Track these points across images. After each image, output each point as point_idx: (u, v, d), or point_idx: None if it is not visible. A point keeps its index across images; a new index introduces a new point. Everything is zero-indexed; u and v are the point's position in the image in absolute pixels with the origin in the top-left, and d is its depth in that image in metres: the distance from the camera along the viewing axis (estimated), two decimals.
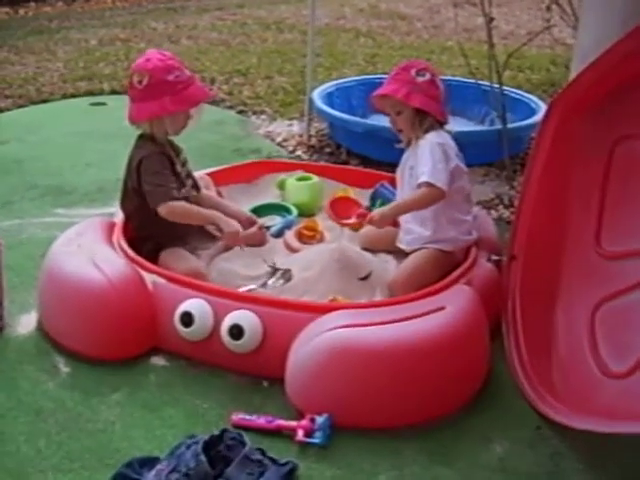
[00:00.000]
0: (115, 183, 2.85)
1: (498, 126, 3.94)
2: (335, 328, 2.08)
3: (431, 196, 2.46)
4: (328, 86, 4.76)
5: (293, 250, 2.86)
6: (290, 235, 2.93)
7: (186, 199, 2.61)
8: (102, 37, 7.32)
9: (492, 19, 3.82)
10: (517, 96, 4.49)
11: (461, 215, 2.69)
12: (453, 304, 2.25)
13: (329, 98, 4.60)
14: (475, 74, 4.25)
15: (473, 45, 7.38)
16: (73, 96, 5.40)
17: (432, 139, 2.59)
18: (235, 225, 2.50)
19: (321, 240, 2.93)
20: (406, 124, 2.65)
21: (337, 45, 7.04)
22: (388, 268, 2.75)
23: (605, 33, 2.63)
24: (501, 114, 3.86)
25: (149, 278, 2.37)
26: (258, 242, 2.66)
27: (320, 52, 5.30)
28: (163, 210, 2.45)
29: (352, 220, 2.59)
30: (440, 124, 2.66)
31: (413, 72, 2.59)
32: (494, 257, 2.68)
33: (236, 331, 2.18)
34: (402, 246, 2.77)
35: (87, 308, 2.28)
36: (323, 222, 3.06)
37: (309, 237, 2.91)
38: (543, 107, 4.35)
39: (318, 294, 2.53)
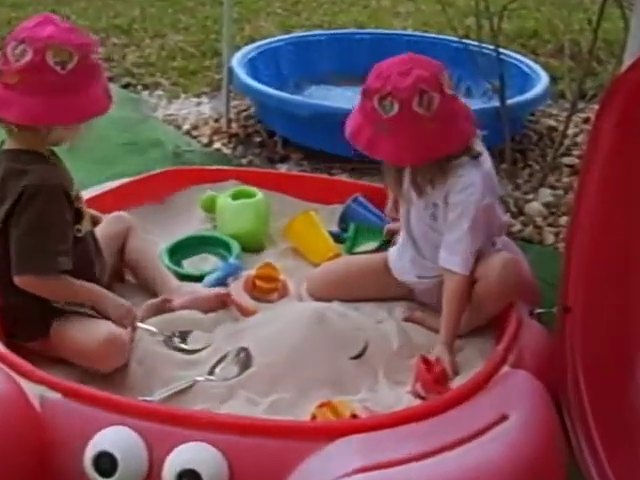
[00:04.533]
0: None
1: (479, 101, 3.58)
2: (350, 474, 1.57)
3: (466, 286, 2.21)
4: (249, 49, 4.31)
5: (244, 313, 2.38)
6: (237, 288, 2.45)
7: (81, 241, 2.14)
8: None
9: None
10: (505, 57, 4.04)
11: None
12: (517, 407, 1.82)
13: (252, 65, 4.15)
14: (452, 28, 3.78)
15: None
16: None
17: (468, 196, 2.18)
18: (123, 307, 2.14)
19: (284, 294, 2.47)
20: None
21: None
22: (387, 332, 2.31)
23: None
24: (499, 87, 3.43)
25: (34, 391, 1.82)
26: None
27: None
28: (26, 281, 2.01)
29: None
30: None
31: (375, 100, 2.08)
32: (538, 310, 2.33)
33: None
34: (408, 278, 2.39)
35: None
36: (279, 261, 2.61)
37: (266, 291, 2.44)
38: (542, 74, 3.99)
39: (295, 389, 2.07)
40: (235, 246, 2.65)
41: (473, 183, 2.17)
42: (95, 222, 2.33)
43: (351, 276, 2.46)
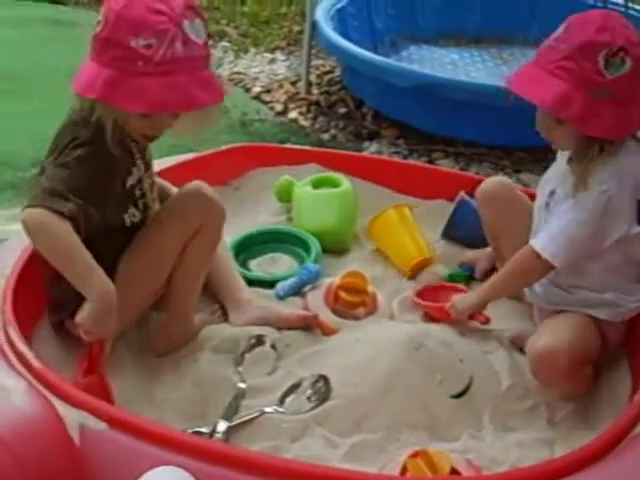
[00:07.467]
0: None
1: None
2: None
3: (536, 270, 2.28)
4: None
5: (325, 331, 2.41)
6: (316, 300, 2.49)
7: (126, 232, 2.24)
8: None
9: None
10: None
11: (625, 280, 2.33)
12: None
13: (340, 17, 4.17)
14: None
15: None
16: None
17: (604, 187, 2.17)
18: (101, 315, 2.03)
19: (372, 310, 2.48)
20: (567, 141, 2.24)
21: None
22: (496, 366, 2.32)
23: None
24: None
25: (73, 419, 1.85)
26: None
27: None
28: (29, 217, 2.00)
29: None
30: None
31: (600, 57, 2.08)
32: None
33: None
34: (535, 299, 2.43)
35: None
36: (367, 268, 2.63)
37: (351, 305, 2.46)
38: None
39: (382, 429, 2.09)
40: (314, 245, 2.66)
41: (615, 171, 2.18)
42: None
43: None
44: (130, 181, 2.22)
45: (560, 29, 2.15)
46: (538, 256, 2.21)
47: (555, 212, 2.25)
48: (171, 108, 2.08)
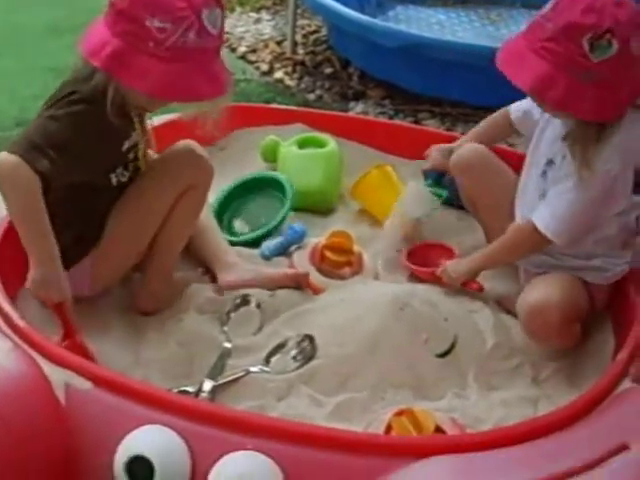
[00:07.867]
0: None
1: None
2: None
3: (534, 245, 2.29)
4: None
5: (311, 290, 2.42)
6: (302, 260, 2.49)
7: (109, 189, 2.25)
8: None
9: None
10: None
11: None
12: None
13: None
14: None
15: None
16: None
17: (608, 166, 2.14)
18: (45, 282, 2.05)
19: (357, 270, 2.49)
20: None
21: None
22: (481, 325, 2.33)
23: None
24: None
25: (59, 378, 1.85)
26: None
27: None
28: (3, 160, 1.99)
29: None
30: None
31: (585, 41, 2.01)
32: None
33: None
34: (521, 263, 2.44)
35: None
36: (353, 227, 2.65)
37: (337, 264, 2.46)
38: None
39: (367, 388, 2.11)
40: (288, 185, 2.65)
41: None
42: None
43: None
44: (127, 144, 2.23)
45: (549, 4, 2.08)
46: (538, 232, 2.21)
47: (555, 187, 2.22)
48: (171, 96, 2.10)
